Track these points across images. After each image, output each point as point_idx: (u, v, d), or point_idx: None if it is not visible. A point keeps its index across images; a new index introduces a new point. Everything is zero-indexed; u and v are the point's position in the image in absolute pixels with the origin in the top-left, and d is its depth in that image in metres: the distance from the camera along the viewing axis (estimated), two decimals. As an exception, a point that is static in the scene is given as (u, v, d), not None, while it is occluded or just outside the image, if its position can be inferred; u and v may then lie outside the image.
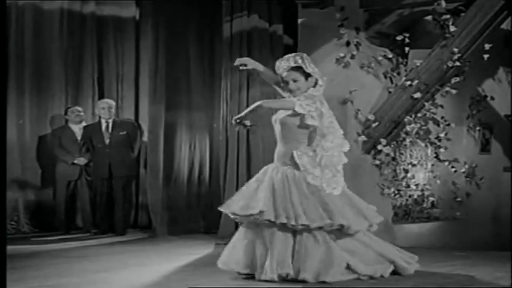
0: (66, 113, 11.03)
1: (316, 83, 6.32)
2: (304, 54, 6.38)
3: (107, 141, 10.64)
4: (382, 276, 6.12)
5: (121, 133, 10.66)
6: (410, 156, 9.38)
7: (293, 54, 6.42)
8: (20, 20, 11.24)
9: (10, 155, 11.05)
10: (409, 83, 8.77)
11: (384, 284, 5.91)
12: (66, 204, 10.81)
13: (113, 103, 10.84)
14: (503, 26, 9.09)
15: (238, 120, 6.29)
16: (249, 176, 9.19)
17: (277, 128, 6.41)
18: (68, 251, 8.33)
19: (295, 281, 5.86)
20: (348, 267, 6.04)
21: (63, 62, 11.52)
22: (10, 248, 8.78)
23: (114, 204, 10.60)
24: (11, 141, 11.05)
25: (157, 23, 10.76)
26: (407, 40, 9.20)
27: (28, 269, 6.70)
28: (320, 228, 6.00)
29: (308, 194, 6.09)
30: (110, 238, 10.10)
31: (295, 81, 6.27)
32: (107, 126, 10.67)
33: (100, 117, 10.76)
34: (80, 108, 11.00)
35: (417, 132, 9.13)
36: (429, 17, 9.21)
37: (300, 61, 6.28)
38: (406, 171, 9.30)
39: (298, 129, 6.25)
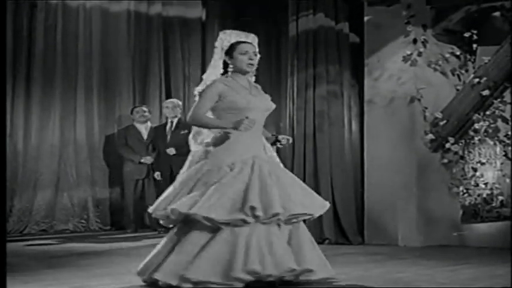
0: (132, 113, 11.13)
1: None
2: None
3: (168, 139, 10.63)
4: None
5: (182, 132, 10.59)
6: (479, 154, 9.24)
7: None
8: (87, 21, 11.44)
9: (80, 154, 11.25)
10: (477, 80, 8.66)
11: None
12: (135, 202, 10.91)
13: (179, 102, 10.83)
14: None
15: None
16: (316, 176, 9.17)
17: (263, 116, 5.86)
18: (136, 249, 8.41)
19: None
20: None
21: (130, 63, 11.70)
22: (80, 245, 8.95)
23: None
24: (81, 140, 11.24)
25: (223, 23, 10.81)
26: (475, 37, 9.08)
27: (97, 267, 6.78)
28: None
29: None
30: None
31: None
32: (171, 126, 10.68)
33: (167, 117, 10.80)
34: (145, 108, 11.08)
35: (486, 130, 8.99)
36: (497, 13, 9.08)
37: None
38: (475, 169, 9.18)
39: None
